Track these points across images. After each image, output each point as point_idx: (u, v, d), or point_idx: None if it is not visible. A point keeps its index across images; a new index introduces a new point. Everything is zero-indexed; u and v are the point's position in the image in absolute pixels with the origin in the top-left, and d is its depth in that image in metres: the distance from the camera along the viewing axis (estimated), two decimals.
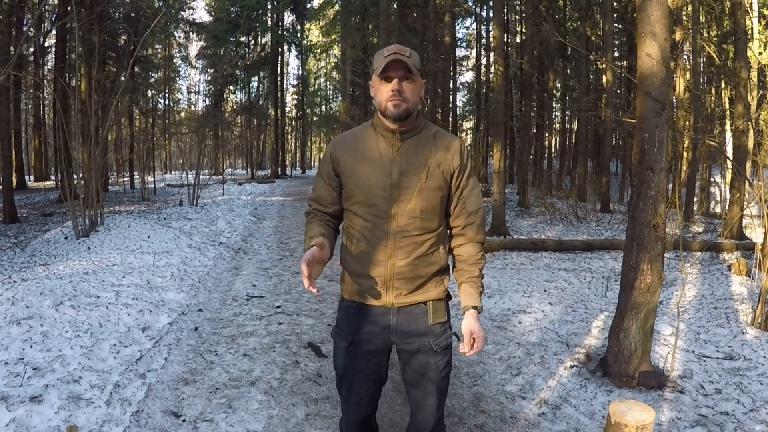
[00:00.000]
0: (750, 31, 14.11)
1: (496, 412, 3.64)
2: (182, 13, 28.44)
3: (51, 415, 3.19)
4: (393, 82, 1.95)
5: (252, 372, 4.19)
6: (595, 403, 3.70)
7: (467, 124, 36.41)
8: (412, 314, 2.10)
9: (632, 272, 3.99)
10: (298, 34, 38.00)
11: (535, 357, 4.55)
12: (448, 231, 2.20)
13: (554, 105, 27.03)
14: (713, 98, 20.07)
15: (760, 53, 14.31)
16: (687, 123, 14.95)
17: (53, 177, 26.60)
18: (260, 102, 37.20)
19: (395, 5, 21.47)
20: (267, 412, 3.57)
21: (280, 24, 35.52)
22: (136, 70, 21.55)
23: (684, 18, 15.56)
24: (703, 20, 17.75)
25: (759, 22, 15.40)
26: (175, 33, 29.94)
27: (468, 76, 32.74)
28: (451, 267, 2.20)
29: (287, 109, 43.94)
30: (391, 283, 2.06)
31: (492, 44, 17.66)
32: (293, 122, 45.94)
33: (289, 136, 50.82)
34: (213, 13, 34.23)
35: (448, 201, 2.12)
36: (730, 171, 12.58)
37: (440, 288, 2.13)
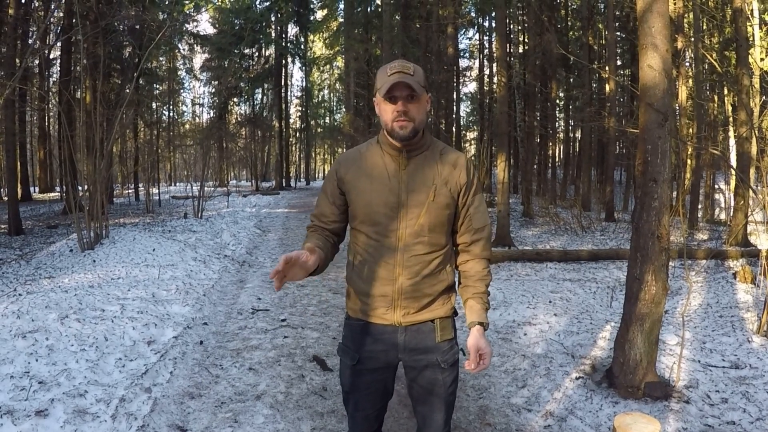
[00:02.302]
0: (751, 38, 14.14)
1: (501, 424, 3.64)
2: (186, 25, 28.65)
3: (57, 430, 3.20)
4: (398, 103, 1.94)
5: (257, 386, 4.19)
6: (601, 415, 3.69)
7: (471, 135, 36.47)
8: (420, 332, 2.10)
9: (637, 283, 3.99)
10: (302, 46, 38.20)
11: (541, 369, 4.54)
12: (455, 248, 2.19)
13: (557, 114, 27.07)
14: (716, 105, 20.08)
15: (762, 59, 14.33)
16: (690, 131, 14.96)
17: (58, 189, 26.73)
18: (264, 114, 37.37)
19: (398, 17, 21.57)
20: (273, 426, 3.57)
21: (283, 36, 35.73)
22: (140, 82, 21.66)
23: (685, 26, 15.59)
24: (705, 27, 17.80)
25: (760, 28, 15.43)
26: (179, 45, 30.15)
27: (471, 87, 32.90)
28: (456, 283, 2.20)
29: (291, 120, 44.09)
30: (399, 302, 2.05)
31: (495, 55, 17.70)
32: (297, 134, 46.12)
33: (293, 148, 51.01)
34: (217, 26, 34.46)
35: (455, 218, 2.12)
36: (734, 178, 12.56)
37: (447, 306, 2.13)
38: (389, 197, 2.02)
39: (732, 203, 12.55)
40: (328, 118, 47.15)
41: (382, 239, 2.04)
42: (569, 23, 24.58)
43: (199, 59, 36.88)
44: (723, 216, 16.31)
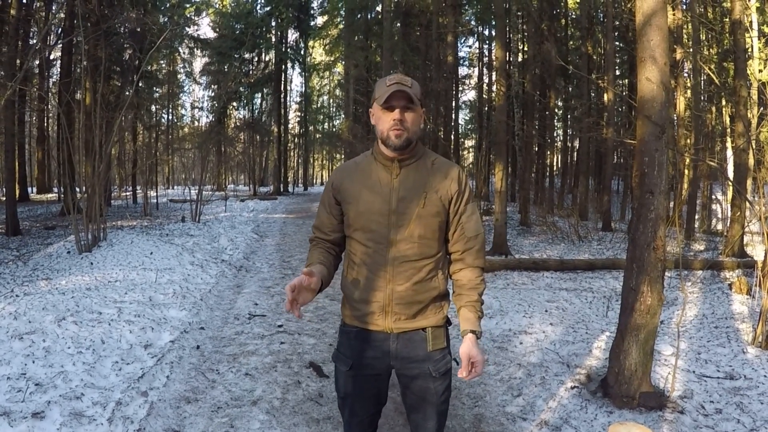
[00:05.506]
0: (750, 49, 14.20)
1: None
2: (187, 29, 28.69)
3: None
4: (395, 111, 2.01)
5: (254, 391, 4.20)
6: (596, 425, 3.71)
7: (469, 143, 36.50)
8: (412, 340, 2.13)
9: (632, 294, 4.01)
10: (302, 52, 38.24)
11: (536, 378, 4.55)
12: (448, 256, 2.23)
13: (556, 124, 27.11)
14: (714, 116, 20.14)
15: (760, 71, 14.39)
16: (688, 141, 15.00)
17: (55, 189, 26.71)
18: (263, 119, 37.34)
19: (398, 25, 21.63)
20: None
21: (283, 41, 35.78)
22: (140, 85, 21.67)
23: (684, 37, 15.66)
24: (704, 39, 17.87)
25: (759, 40, 15.50)
26: (179, 49, 30.17)
27: (470, 95, 32.90)
28: (451, 292, 2.22)
29: (290, 126, 44.05)
30: (390, 308, 2.09)
31: (494, 64, 17.74)
32: (296, 139, 46.06)
33: (292, 153, 50.99)
34: (218, 30, 34.47)
35: (447, 227, 2.16)
36: (731, 188, 12.60)
37: (440, 315, 2.16)
38: (381, 205, 2.07)
39: (729, 214, 12.57)
40: (327, 124, 47.14)
41: (375, 246, 2.09)
42: (569, 33, 24.65)
43: (199, 63, 36.95)
44: (720, 226, 16.32)
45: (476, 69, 31.65)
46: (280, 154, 37.63)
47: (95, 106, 10.97)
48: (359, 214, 2.10)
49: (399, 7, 21.23)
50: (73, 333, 4.75)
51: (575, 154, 25.79)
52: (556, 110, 25.50)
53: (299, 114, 43.58)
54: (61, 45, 19.08)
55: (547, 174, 26.82)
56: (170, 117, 36.11)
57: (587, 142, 19.26)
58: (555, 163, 32.86)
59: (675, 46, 13.71)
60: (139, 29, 19.03)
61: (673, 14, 13.09)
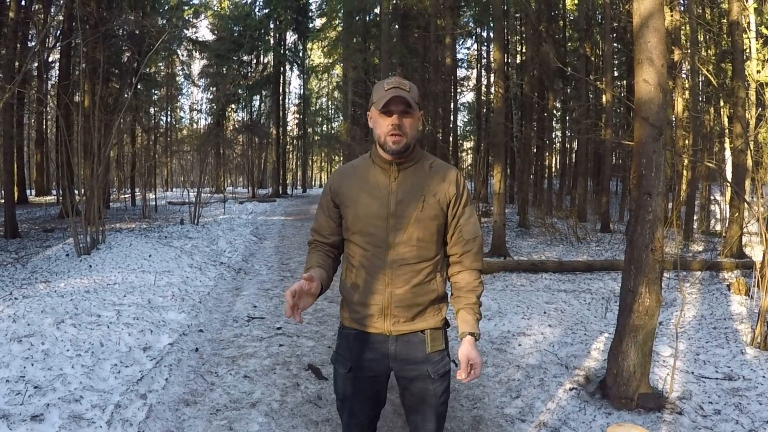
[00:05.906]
0: (748, 50, 14.22)
1: None
2: (186, 31, 28.70)
3: None
4: (393, 117, 2.01)
5: (252, 394, 4.20)
6: (594, 426, 3.71)
7: (468, 144, 36.50)
8: (410, 342, 2.13)
9: (630, 295, 4.02)
10: (300, 54, 38.27)
11: (535, 379, 4.56)
12: (446, 259, 2.23)
13: (554, 125, 27.11)
14: (712, 117, 20.16)
15: (758, 71, 14.41)
16: (687, 142, 15.01)
17: (54, 192, 26.68)
18: (262, 121, 37.37)
19: (397, 27, 21.63)
20: None
21: (282, 44, 35.80)
22: (139, 87, 21.66)
23: (682, 37, 15.67)
24: (702, 40, 17.89)
25: (756, 41, 15.53)
26: (178, 51, 30.18)
27: (469, 97, 32.89)
28: (449, 294, 2.23)
29: (288, 128, 44.10)
30: (389, 311, 2.09)
31: (492, 65, 17.76)
32: (294, 141, 46.10)
33: (290, 155, 51.00)
34: (216, 32, 34.49)
35: (446, 229, 2.16)
36: (729, 189, 12.62)
37: (438, 317, 2.16)
38: (380, 208, 2.07)
39: (727, 215, 12.59)
40: (325, 126, 47.22)
41: (374, 249, 2.09)
42: (567, 34, 24.67)
43: (197, 65, 36.96)
44: (718, 227, 16.33)
45: (475, 71, 31.70)
46: (279, 156, 37.61)
47: (94, 108, 10.93)
48: (357, 217, 2.10)
49: (397, 9, 21.25)
50: (72, 336, 4.75)
51: (574, 155, 25.80)
52: (555, 112, 25.52)
53: (298, 116, 43.63)
54: (59, 47, 19.04)
55: (546, 175, 26.84)
56: (169, 119, 36.17)
57: (586, 143, 19.29)
58: (553, 165, 32.88)
59: (673, 47, 13.72)
60: (137, 32, 19.04)
61: (671, 15, 13.11)
